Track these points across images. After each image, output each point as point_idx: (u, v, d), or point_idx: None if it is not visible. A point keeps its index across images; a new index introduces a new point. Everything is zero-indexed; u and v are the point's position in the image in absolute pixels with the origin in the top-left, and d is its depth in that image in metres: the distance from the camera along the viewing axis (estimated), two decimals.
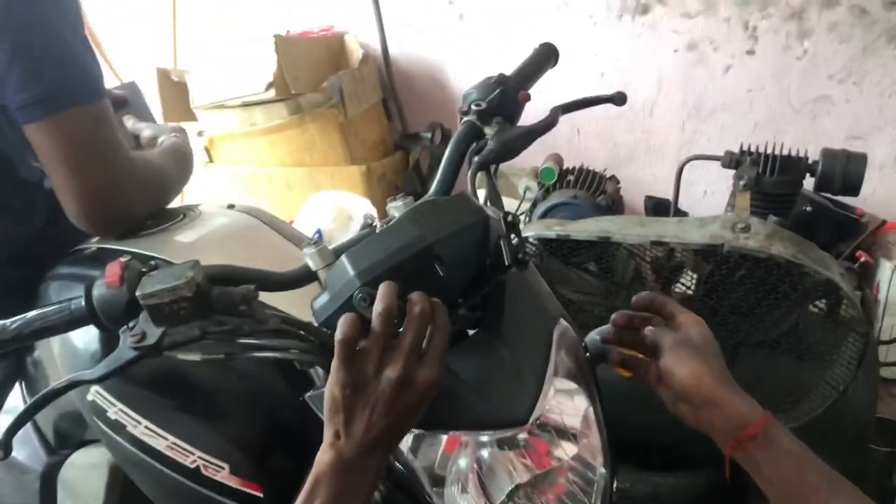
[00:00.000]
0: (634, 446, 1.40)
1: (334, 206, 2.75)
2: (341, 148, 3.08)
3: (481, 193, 1.04)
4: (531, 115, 1.14)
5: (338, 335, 0.73)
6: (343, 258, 0.81)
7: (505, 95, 1.08)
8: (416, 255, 0.79)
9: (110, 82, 1.56)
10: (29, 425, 1.34)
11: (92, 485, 1.28)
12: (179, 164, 1.38)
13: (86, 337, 1.12)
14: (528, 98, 1.13)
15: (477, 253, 0.84)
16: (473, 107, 1.06)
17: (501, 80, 1.10)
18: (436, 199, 0.92)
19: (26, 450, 1.39)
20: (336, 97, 3.00)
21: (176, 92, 3.14)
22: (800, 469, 0.81)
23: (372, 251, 0.80)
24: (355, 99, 3.10)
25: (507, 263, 0.84)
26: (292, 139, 3.07)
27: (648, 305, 1.00)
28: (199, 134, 3.21)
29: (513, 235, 0.89)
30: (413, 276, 0.79)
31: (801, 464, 0.81)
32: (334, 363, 0.74)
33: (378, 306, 0.74)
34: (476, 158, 1.03)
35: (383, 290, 0.75)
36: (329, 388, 0.75)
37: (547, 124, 1.10)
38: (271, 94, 2.87)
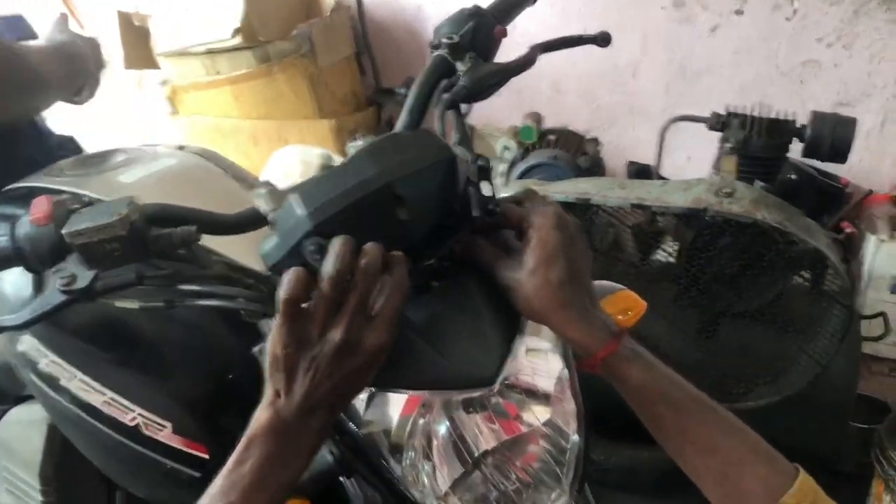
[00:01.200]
0: (610, 417, 1.34)
1: (302, 161, 2.64)
2: (311, 100, 2.99)
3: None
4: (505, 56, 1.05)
5: (282, 293, 0.66)
6: (292, 196, 0.72)
7: (479, 29, 1.00)
8: (375, 193, 0.70)
9: (73, 27, 1.47)
10: None
11: (30, 443, 1.22)
12: (64, 64, 1.26)
13: (17, 281, 1.04)
14: (504, 34, 1.05)
15: (443, 195, 0.75)
16: (444, 40, 0.97)
17: (476, 12, 1.02)
18: (398, 133, 0.83)
19: None
20: (306, 46, 2.90)
21: (138, 37, 3.04)
22: (647, 399, 0.76)
23: (325, 189, 0.71)
24: (326, 49, 3.01)
25: (475, 213, 0.76)
26: (259, 90, 2.98)
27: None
28: (163, 83, 3.13)
29: (483, 182, 0.80)
30: (371, 218, 0.71)
31: (648, 394, 0.76)
32: (277, 320, 0.68)
33: (328, 264, 0.66)
34: (445, 96, 0.94)
35: (338, 245, 0.67)
36: (271, 345, 0.68)
37: (524, 62, 1.01)
38: (238, 40, 2.77)
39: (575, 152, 2.48)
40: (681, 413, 0.75)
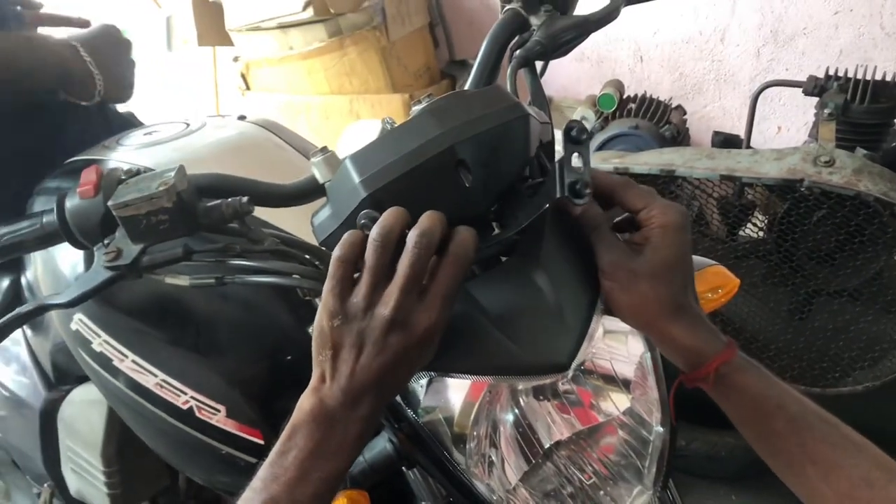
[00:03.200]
0: (690, 399, 1.27)
1: (373, 136, 2.60)
2: (383, 74, 2.96)
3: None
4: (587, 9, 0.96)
5: (336, 252, 0.62)
6: (346, 162, 0.67)
7: None
8: (435, 158, 0.63)
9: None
10: (28, 359, 1.31)
11: (91, 423, 1.21)
12: (36, 53, 1.21)
13: (69, 257, 1.03)
14: None
15: (513, 159, 0.68)
16: None
17: None
18: (463, 91, 0.76)
19: (26, 385, 1.33)
20: (378, 18, 2.88)
21: (211, 13, 3.05)
22: (763, 414, 0.68)
23: (381, 153, 0.65)
24: (399, 21, 2.98)
25: (558, 194, 0.65)
26: (331, 64, 2.96)
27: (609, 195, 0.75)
28: (235, 59, 3.17)
29: (576, 156, 0.67)
30: (431, 185, 0.64)
31: (765, 407, 0.68)
32: (326, 286, 0.63)
33: (374, 230, 0.61)
34: (518, 52, 0.87)
35: (388, 213, 0.62)
36: (318, 317, 0.64)
37: (605, 15, 0.93)
38: (309, 13, 2.74)
39: (658, 121, 2.37)
40: (801, 428, 0.67)
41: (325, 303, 0.63)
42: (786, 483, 0.70)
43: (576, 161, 0.67)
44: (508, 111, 0.66)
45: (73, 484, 1.31)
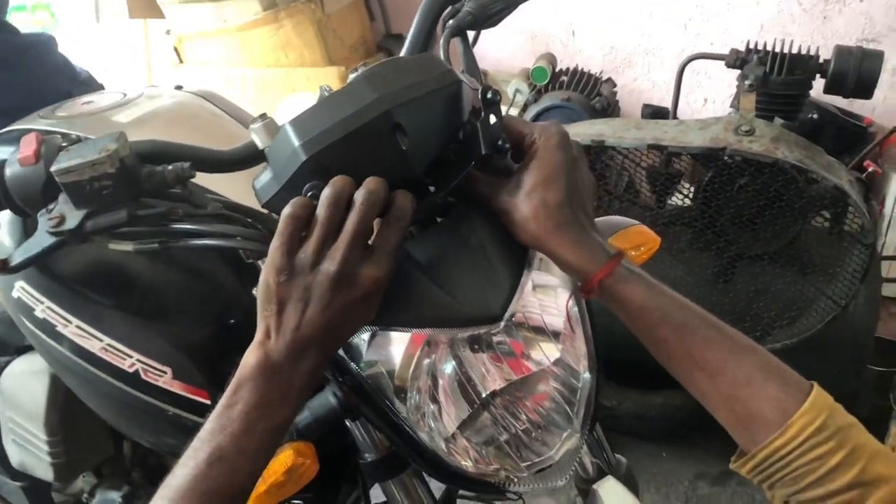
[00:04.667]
0: (620, 361, 1.32)
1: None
2: (319, 47, 2.94)
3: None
4: None
5: (286, 210, 0.65)
6: (286, 126, 0.69)
7: None
8: (373, 122, 0.66)
9: None
10: None
11: (33, 393, 1.22)
12: None
13: (9, 225, 1.02)
14: None
15: (447, 124, 0.71)
16: None
17: None
18: (398, 58, 0.79)
19: None
20: None
21: None
22: (649, 322, 0.72)
23: (320, 118, 0.67)
24: None
25: (483, 151, 0.71)
26: (267, 37, 2.93)
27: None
28: (168, 32, 3.08)
29: (492, 116, 0.75)
30: (369, 148, 0.67)
31: (650, 316, 0.72)
32: (273, 243, 0.65)
33: (326, 191, 0.64)
34: (450, 22, 0.90)
35: (338, 177, 0.65)
36: (264, 274, 0.66)
37: None
38: None
39: (589, 94, 2.42)
40: (685, 335, 0.71)
41: (271, 259, 0.65)
42: (680, 383, 0.74)
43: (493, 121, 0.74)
44: (442, 77, 0.69)
45: (16, 456, 1.31)
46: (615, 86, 2.61)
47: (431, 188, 0.73)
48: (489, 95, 0.75)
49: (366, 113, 0.66)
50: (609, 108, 2.42)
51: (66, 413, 1.21)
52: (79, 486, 1.48)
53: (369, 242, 0.67)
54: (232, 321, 1.00)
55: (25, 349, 1.23)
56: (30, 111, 1.34)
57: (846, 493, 0.64)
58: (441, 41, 0.89)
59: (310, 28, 2.89)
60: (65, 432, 1.23)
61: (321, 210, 0.64)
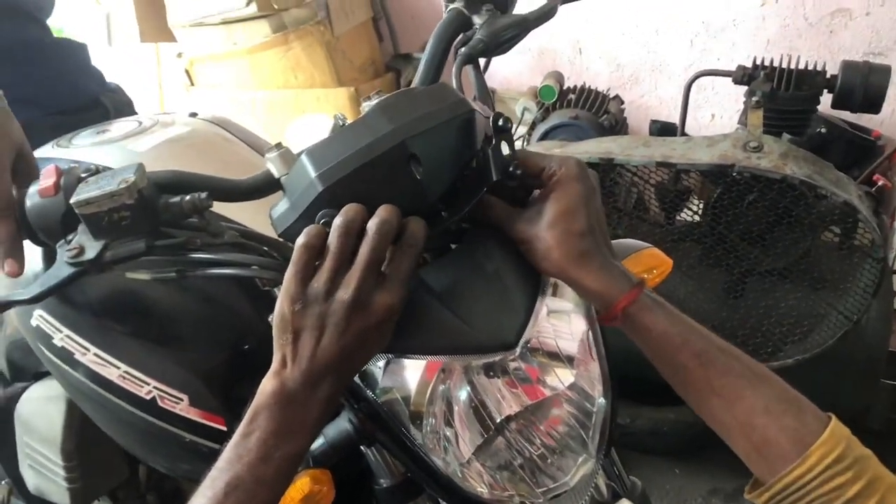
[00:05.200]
0: (633, 379, 1.32)
1: (320, 130, 2.61)
2: (328, 68, 2.97)
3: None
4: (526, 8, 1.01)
5: (300, 239, 0.66)
6: (302, 157, 0.70)
7: None
8: (388, 152, 0.67)
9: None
10: None
11: (50, 420, 1.22)
12: None
13: (28, 255, 1.01)
14: None
15: (460, 153, 0.72)
16: None
17: None
18: (412, 89, 0.80)
19: None
20: (322, 13, 2.88)
21: (153, 8, 3.02)
22: (670, 349, 0.73)
23: (336, 149, 0.69)
24: (343, 15, 2.98)
25: (494, 177, 0.72)
26: (276, 59, 2.96)
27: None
28: (179, 55, 3.11)
29: (503, 143, 0.76)
30: (384, 178, 0.68)
31: (671, 342, 0.73)
32: (289, 272, 0.66)
33: (337, 220, 0.66)
34: (462, 50, 0.91)
35: (349, 206, 0.67)
36: (279, 302, 0.67)
37: (543, 14, 0.98)
38: (253, 9, 2.75)
39: (597, 111, 2.42)
40: (705, 363, 0.72)
41: (286, 288, 0.66)
42: (696, 412, 0.75)
43: (506, 149, 0.75)
44: (455, 107, 0.70)
45: (32, 480, 1.32)
46: (623, 103, 2.62)
47: (444, 214, 0.74)
48: (500, 122, 0.76)
49: (381, 144, 0.67)
50: (617, 126, 2.42)
51: (82, 438, 1.22)
52: None
53: (382, 269, 0.68)
54: (246, 347, 1.01)
55: (42, 375, 1.24)
56: (59, 107, 1.56)
57: None
58: (453, 69, 0.90)
59: (319, 50, 2.92)
60: (81, 457, 1.24)
61: (333, 239, 0.65)
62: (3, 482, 1.38)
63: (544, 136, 2.36)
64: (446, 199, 0.73)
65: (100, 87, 1.95)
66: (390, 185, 0.68)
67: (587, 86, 2.54)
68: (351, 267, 0.66)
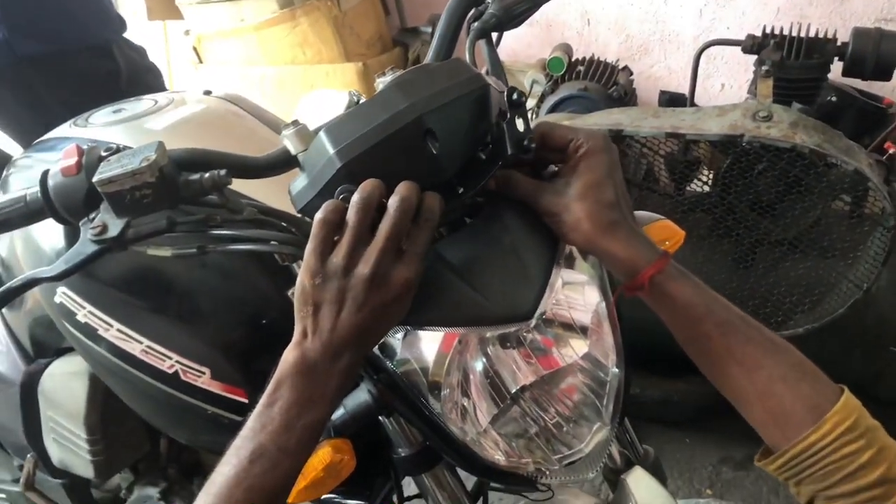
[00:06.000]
0: (644, 349, 1.34)
1: (329, 106, 2.62)
2: (335, 44, 2.96)
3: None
4: None
5: (319, 215, 0.67)
6: (321, 134, 0.71)
7: None
8: (405, 128, 0.68)
9: None
10: (5, 334, 1.34)
11: (73, 394, 1.24)
12: None
13: (49, 232, 1.05)
14: None
15: (476, 127, 0.73)
16: None
17: None
18: (427, 64, 0.81)
19: (4, 360, 1.36)
20: None
21: None
22: (694, 318, 0.75)
23: (353, 125, 0.69)
24: None
25: (509, 151, 0.74)
26: (284, 35, 2.95)
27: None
28: (186, 33, 3.11)
29: (517, 117, 0.77)
30: (401, 153, 0.69)
31: (695, 312, 0.75)
32: (308, 247, 0.68)
33: (356, 196, 0.67)
34: (475, 25, 0.92)
35: (368, 181, 0.68)
36: (300, 277, 0.69)
37: None
38: None
39: (606, 83, 2.42)
40: (727, 332, 0.74)
41: (306, 263, 0.67)
42: (712, 382, 0.77)
43: (520, 125, 0.76)
44: (470, 82, 0.71)
45: (56, 454, 1.34)
46: (632, 74, 2.61)
47: (460, 189, 0.75)
48: (514, 97, 0.76)
49: (398, 120, 0.68)
50: (626, 97, 2.42)
51: (105, 412, 1.24)
52: (116, 483, 1.52)
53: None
54: (266, 321, 1.02)
55: (64, 351, 1.26)
56: (61, 41, 1.72)
57: (874, 489, 0.66)
58: (467, 43, 0.90)
59: (326, 25, 2.91)
60: (104, 431, 1.26)
61: (352, 214, 0.66)
62: (28, 455, 1.40)
63: (553, 109, 2.37)
64: (462, 174, 0.74)
65: (114, 36, 1.96)
66: (407, 160, 0.70)
67: (596, 57, 2.54)
68: (369, 242, 0.67)
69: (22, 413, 1.33)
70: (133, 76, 2.01)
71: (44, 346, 1.29)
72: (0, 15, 1.76)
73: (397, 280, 0.67)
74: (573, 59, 2.52)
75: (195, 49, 3.16)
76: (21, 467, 1.49)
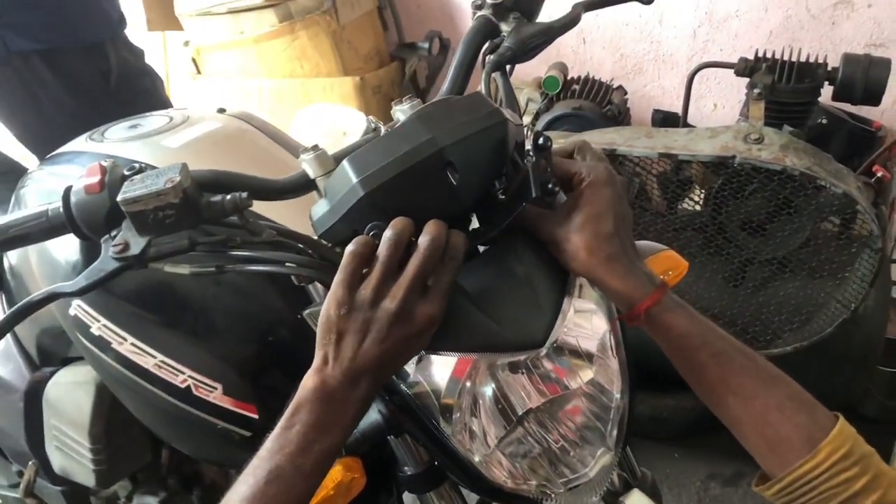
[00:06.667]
0: (634, 365, 1.35)
1: (327, 120, 2.63)
2: (334, 58, 2.98)
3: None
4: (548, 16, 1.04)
5: (350, 247, 0.70)
6: (345, 163, 0.73)
7: None
8: (426, 160, 0.71)
9: None
10: (11, 342, 1.35)
11: (78, 403, 1.25)
12: None
13: (65, 246, 1.07)
14: None
15: (494, 160, 0.76)
16: (489, 0, 0.97)
17: None
18: (448, 98, 0.83)
19: (9, 367, 1.37)
20: (328, 3, 2.88)
21: None
22: (690, 348, 0.77)
23: (377, 155, 0.72)
24: (348, 4, 2.98)
25: (534, 195, 0.75)
26: (282, 48, 2.97)
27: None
28: (186, 44, 3.12)
29: (542, 160, 0.78)
30: (422, 184, 0.72)
31: (690, 342, 0.77)
32: (337, 278, 0.70)
33: (388, 232, 0.69)
34: (491, 57, 0.95)
35: (399, 219, 0.70)
36: (325, 307, 0.70)
37: (568, 22, 1.01)
38: None
39: (601, 102, 2.45)
40: (723, 362, 0.76)
41: (334, 293, 0.69)
42: (710, 408, 0.79)
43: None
44: (490, 117, 0.74)
45: (58, 461, 1.35)
46: (626, 93, 2.64)
47: (482, 228, 0.79)
48: (541, 141, 0.78)
49: (420, 152, 0.70)
50: (620, 116, 2.44)
51: (109, 423, 1.25)
52: (113, 491, 1.53)
53: None
54: (275, 339, 1.04)
55: (69, 360, 1.28)
56: (51, 41, 1.74)
57: None
58: (483, 75, 0.93)
59: (325, 39, 2.93)
60: (108, 441, 1.27)
61: (383, 250, 0.69)
62: (30, 462, 1.41)
63: (548, 127, 2.38)
64: (479, 206, 0.77)
65: (109, 36, 1.96)
66: (428, 190, 0.72)
67: (591, 76, 2.56)
68: (397, 277, 0.69)
69: (25, 420, 1.34)
70: (124, 77, 2.02)
71: (50, 355, 1.30)
72: None
73: (422, 316, 0.69)
74: (568, 78, 2.54)
75: (194, 60, 3.17)
76: (20, 473, 1.50)
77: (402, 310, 0.68)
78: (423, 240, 0.69)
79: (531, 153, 0.77)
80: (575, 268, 0.78)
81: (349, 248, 0.70)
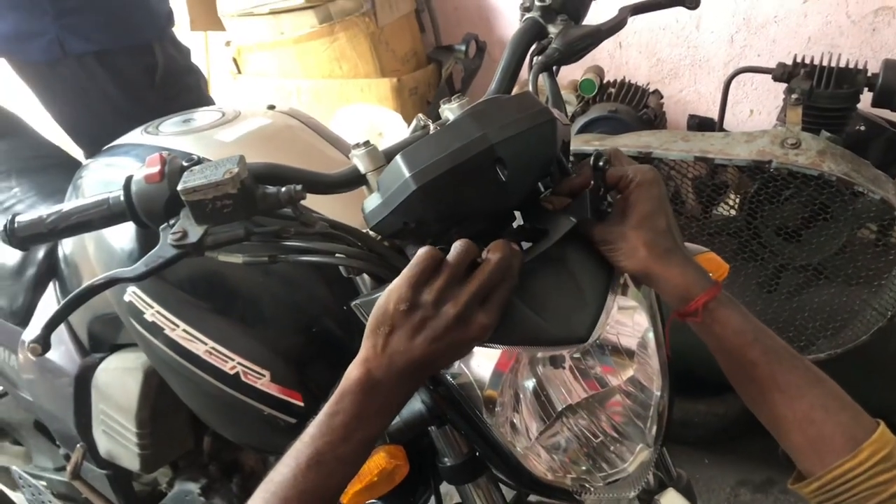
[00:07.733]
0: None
1: (364, 120, 2.68)
2: (372, 59, 3.01)
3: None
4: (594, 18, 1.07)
5: (422, 250, 0.72)
6: (398, 158, 0.75)
7: None
8: (477, 156, 0.73)
9: None
10: (63, 327, 1.37)
11: (126, 389, 1.29)
12: None
13: (122, 234, 1.10)
14: None
15: (541, 158, 0.78)
16: (537, 2, 1.00)
17: None
18: (498, 96, 0.86)
19: (60, 352, 1.39)
20: (367, 5, 2.92)
21: None
22: (742, 344, 0.78)
23: (429, 151, 0.74)
24: (387, 6, 3.02)
25: (588, 215, 0.79)
26: (321, 49, 3.00)
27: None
28: (227, 44, 3.17)
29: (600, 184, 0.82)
30: (473, 179, 0.74)
31: (744, 338, 0.78)
32: (404, 274, 0.72)
33: (458, 244, 0.72)
34: (538, 58, 0.96)
35: (465, 240, 0.73)
36: (384, 298, 0.72)
37: (615, 25, 1.04)
38: (300, 0, 2.80)
39: (636, 105, 2.45)
40: (773, 360, 0.77)
41: (397, 288, 0.71)
42: (751, 406, 0.80)
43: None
44: (539, 115, 0.76)
45: (104, 445, 1.39)
46: (662, 97, 2.64)
47: (517, 213, 0.81)
48: (601, 163, 0.80)
49: (471, 148, 0.73)
50: (656, 120, 2.44)
51: (155, 409, 1.29)
52: (154, 477, 1.57)
53: None
54: (320, 329, 1.07)
55: (118, 347, 1.32)
56: (102, 44, 1.83)
57: None
58: (530, 76, 0.95)
59: (363, 41, 2.96)
60: (153, 426, 1.31)
61: (454, 257, 0.71)
62: (77, 445, 1.44)
63: (584, 129, 2.38)
64: (528, 209, 0.80)
65: (157, 34, 2.01)
66: (477, 186, 0.74)
67: (627, 80, 2.56)
68: (461, 285, 0.71)
69: (74, 404, 1.38)
70: (170, 73, 2.06)
71: (100, 340, 1.34)
72: (52, 14, 1.82)
73: (477, 325, 0.72)
74: (604, 81, 2.55)
75: (235, 60, 3.21)
76: (66, 457, 1.54)
77: (462, 315, 0.70)
78: (494, 256, 0.72)
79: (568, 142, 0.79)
80: (632, 265, 0.80)
81: (422, 250, 0.72)
